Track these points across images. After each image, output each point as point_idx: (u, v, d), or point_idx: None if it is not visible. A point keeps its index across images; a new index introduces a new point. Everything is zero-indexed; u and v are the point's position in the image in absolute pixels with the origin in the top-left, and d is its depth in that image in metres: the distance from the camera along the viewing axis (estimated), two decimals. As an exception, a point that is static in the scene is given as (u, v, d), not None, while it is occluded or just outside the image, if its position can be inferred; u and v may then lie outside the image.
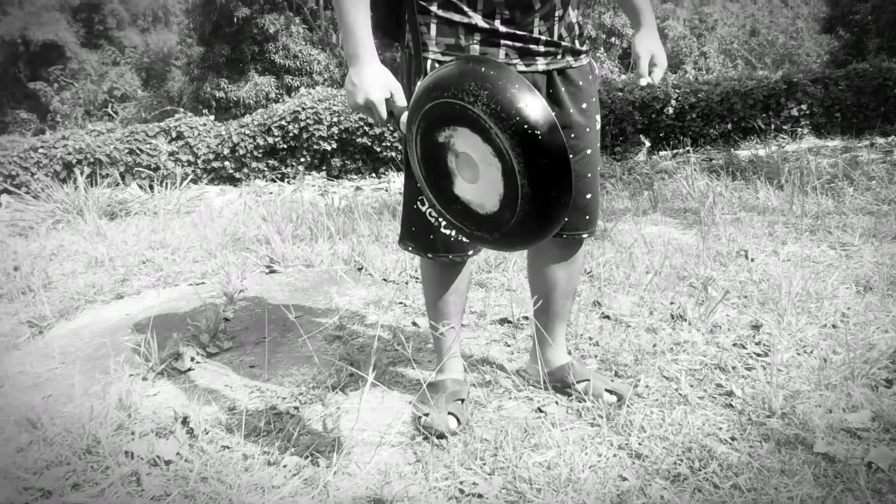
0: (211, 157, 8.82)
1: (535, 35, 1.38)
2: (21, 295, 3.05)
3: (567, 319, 1.86)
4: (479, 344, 2.22)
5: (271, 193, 7.27)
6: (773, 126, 7.55)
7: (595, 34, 19.61)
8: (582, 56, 1.49)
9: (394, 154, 8.27)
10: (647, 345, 2.12)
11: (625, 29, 19.84)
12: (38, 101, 24.29)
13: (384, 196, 7.05)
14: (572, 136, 1.48)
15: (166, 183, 8.08)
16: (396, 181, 7.72)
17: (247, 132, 8.13)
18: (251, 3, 20.61)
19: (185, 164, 8.90)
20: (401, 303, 2.66)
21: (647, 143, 7.54)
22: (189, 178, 8.72)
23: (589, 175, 1.53)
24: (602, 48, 19.86)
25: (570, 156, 1.47)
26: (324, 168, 8.32)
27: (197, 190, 7.85)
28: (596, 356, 2.08)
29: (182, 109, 11.81)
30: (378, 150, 8.29)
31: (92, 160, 8.70)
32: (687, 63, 20.22)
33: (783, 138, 7.46)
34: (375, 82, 1.29)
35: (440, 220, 1.46)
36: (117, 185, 8.11)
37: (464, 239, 1.48)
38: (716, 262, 3.03)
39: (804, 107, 7.28)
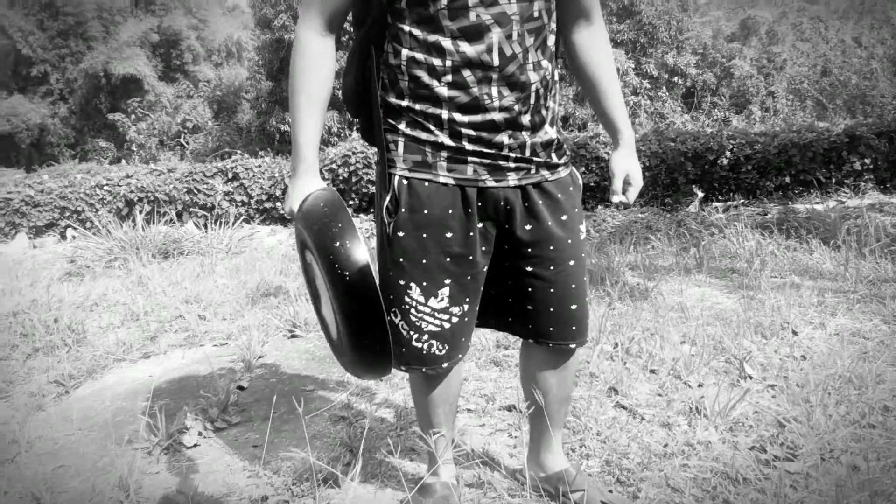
0: (263, 197, 9.06)
1: (504, 153, 1.35)
2: (55, 350, 3.16)
3: (562, 424, 1.80)
4: (483, 433, 2.17)
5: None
6: (833, 180, 7.23)
7: (657, 73, 19.38)
8: (560, 169, 1.45)
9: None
10: (657, 444, 2.03)
11: (688, 69, 19.56)
12: (116, 131, 25.54)
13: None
14: (551, 248, 1.44)
15: (220, 222, 8.33)
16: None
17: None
18: (318, 41, 21.22)
19: (239, 203, 9.16)
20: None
21: (700, 195, 7.34)
22: (242, 217, 8.98)
23: (573, 286, 1.48)
24: (664, 87, 19.61)
25: (551, 267, 1.44)
26: (371, 210, 8.43)
27: (248, 230, 8.06)
28: (600, 456, 1.99)
29: (239, 151, 12.21)
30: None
31: (152, 198, 9.06)
32: (753, 103, 19.73)
33: (845, 192, 7.14)
34: (297, 199, 1.37)
35: (411, 332, 1.44)
36: (173, 223, 8.41)
37: (437, 350, 1.46)
38: (757, 334, 2.90)
39: (867, 161, 6.96)
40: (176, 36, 26.98)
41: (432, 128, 1.32)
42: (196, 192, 9.06)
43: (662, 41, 19.71)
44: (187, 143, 25.07)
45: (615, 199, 1.53)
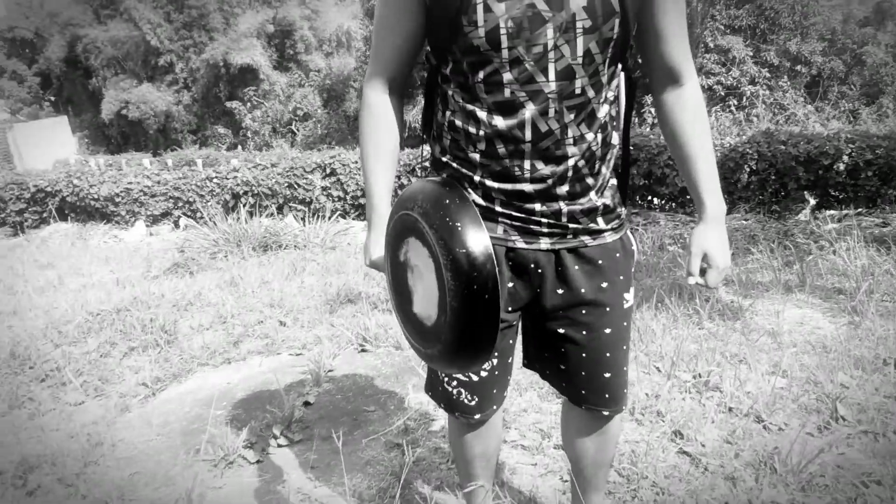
0: (359, 193, 9.28)
1: (536, 218, 1.31)
2: (148, 350, 3.38)
3: (603, 488, 1.73)
4: (534, 474, 2.13)
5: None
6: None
7: (778, 62, 18.22)
8: (606, 234, 1.37)
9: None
10: (715, 502, 1.93)
11: (813, 56, 18.27)
12: (233, 119, 26.91)
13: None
14: (583, 312, 1.38)
15: (317, 216, 8.61)
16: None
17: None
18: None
19: (336, 199, 9.43)
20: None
21: (812, 202, 6.84)
22: (338, 212, 9.24)
23: (607, 354, 1.42)
24: (785, 76, 18.40)
25: (584, 332, 1.39)
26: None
27: (344, 224, 8.29)
28: (652, 511, 1.92)
29: (336, 147, 12.49)
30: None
31: (255, 192, 9.49)
32: (886, 94, 18.18)
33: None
34: (377, 249, 1.38)
35: (442, 374, 1.46)
36: (273, 216, 8.79)
37: (466, 399, 1.46)
38: (857, 368, 2.68)
39: None
40: (290, 26, 27.99)
41: (466, 186, 1.32)
42: (296, 186, 9.41)
43: (785, 27, 18.49)
44: (297, 130, 26.06)
45: (691, 280, 1.38)
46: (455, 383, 1.46)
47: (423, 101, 1.40)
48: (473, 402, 1.47)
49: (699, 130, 1.36)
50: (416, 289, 1.28)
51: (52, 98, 33.31)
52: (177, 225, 9.83)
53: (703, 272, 1.39)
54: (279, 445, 2.40)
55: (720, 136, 8.07)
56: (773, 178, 7.27)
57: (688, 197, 7.87)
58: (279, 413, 2.54)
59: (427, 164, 1.47)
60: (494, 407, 1.51)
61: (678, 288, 4.07)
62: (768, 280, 4.35)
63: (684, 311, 3.55)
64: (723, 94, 17.52)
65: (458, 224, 1.17)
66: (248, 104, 26.79)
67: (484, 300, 1.16)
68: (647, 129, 11.00)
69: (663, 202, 7.96)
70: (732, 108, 17.36)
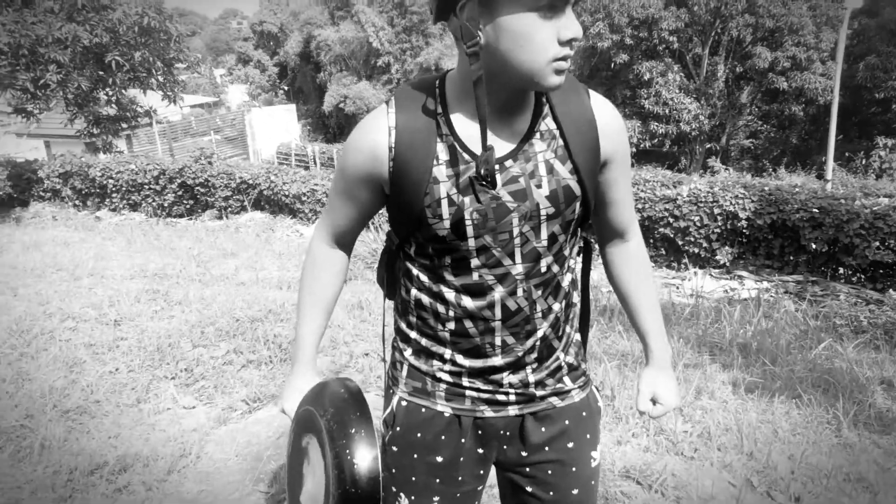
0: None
1: (504, 389, 1.32)
2: (262, 365, 3.74)
3: None
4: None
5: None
6: None
7: None
8: (573, 392, 1.37)
9: (697, 250, 7.72)
10: None
11: None
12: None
13: (674, 296, 6.66)
14: (549, 472, 1.37)
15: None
16: (692, 279, 7.21)
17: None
18: (631, 50, 20.93)
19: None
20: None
21: None
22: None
23: None
24: None
25: (551, 493, 1.38)
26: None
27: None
28: None
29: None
30: (681, 243, 7.83)
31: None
32: None
33: None
34: (294, 397, 1.41)
35: None
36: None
37: None
38: None
39: None
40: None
41: (435, 362, 1.34)
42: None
43: None
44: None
45: (641, 406, 1.47)
46: None
47: (384, 264, 1.40)
48: None
49: (644, 282, 1.45)
50: (307, 479, 1.34)
51: (286, 87, 37.15)
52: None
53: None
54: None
55: None
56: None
57: (880, 271, 6.98)
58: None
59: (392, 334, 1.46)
60: None
61: (824, 382, 3.66)
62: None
63: (814, 414, 3.21)
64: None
65: (353, 438, 1.22)
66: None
67: None
68: (840, 190, 9.89)
69: (850, 273, 7.11)
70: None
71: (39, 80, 11.06)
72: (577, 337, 1.42)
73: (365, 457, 1.21)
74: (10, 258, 6.35)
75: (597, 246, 1.46)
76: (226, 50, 51.57)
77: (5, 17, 10.42)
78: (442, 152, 1.18)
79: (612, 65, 21.35)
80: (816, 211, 7.03)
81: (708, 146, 22.46)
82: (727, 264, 7.60)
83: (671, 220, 7.72)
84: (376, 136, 1.20)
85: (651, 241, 8.02)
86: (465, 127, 1.19)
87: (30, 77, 11.11)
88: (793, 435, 3.01)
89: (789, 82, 20.41)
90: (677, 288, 7.06)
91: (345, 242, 1.42)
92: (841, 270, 7.11)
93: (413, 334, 1.36)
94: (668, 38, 20.50)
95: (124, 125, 14.48)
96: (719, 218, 7.48)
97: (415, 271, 1.31)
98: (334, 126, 31.71)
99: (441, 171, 1.18)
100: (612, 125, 1.25)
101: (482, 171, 1.13)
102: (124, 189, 11.90)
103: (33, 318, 4.40)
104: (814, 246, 7.05)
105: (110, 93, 13.19)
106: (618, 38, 20.61)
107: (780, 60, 20.05)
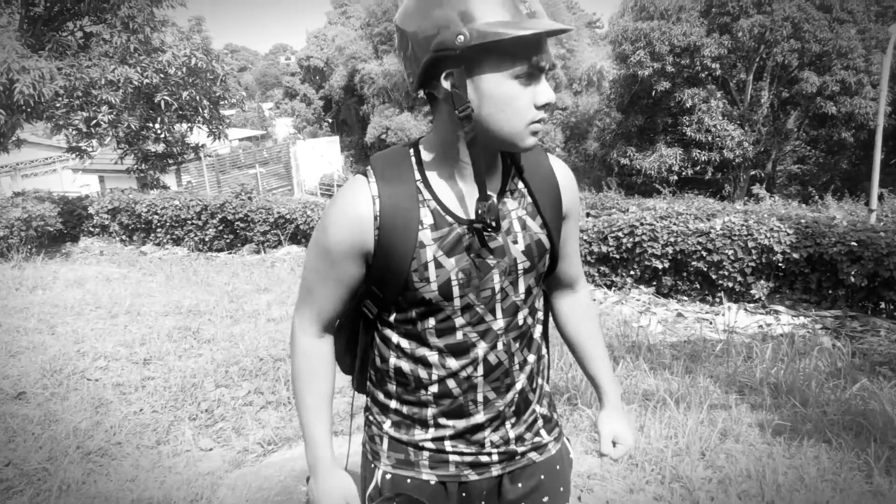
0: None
1: (487, 450, 1.35)
2: (280, 407, 3.80)
3: None
4: None
5: (594, 300, 7.37)
6: None
7: None
8: (549, 446, 1.41)
9: (732, 284, 7.55)
10: None
11: None
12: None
13: (706, 331, 6.52)
14: None
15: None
16: (726, 314, 7.03)
17: (584, 238, 8.34)
18: (672, 78, 20.77)
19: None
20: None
21: None
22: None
23: None
24: None
25: None
26: (654, 283, 8.05)
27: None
28: None
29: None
30: (714, 276, 7.67)
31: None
32: None
33: None
34: (330, 498, 1.32)
35: None
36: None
37: None
38: None
39: None
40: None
41: (416, 431, 1.35)
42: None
43: None
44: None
45: (604, 449, 1.53)
46: None
47: (343, 338, 1.39)
48: None
49: (592, 329, 1.54)
50: None
51: (330, 120, 37.96)
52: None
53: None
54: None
55: None
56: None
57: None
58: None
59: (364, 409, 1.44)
60: None
61: (856, 425, 3.52)
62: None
63: (844, 461, 3.09)
64: None
65: None
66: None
67: None
68: (889, 217, 9.54)
69: (892, 308, 6.86)
70: None
71: (92, 119, 11.58)
72: (548, 388, 1.47)
73: None
74: (53, 295, 6.62)
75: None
76: (274, 84, 53.14)
77: (62, 61, 10.96)
78: (426, 217, 1.22)
79: (654, 92, 21.20)
80: (855, 244, 6.81)
81: (752, 173, 22.01)
82: (762, 298, 7.41)
83: (704, 253, 7.58)
84: (360, 207, 1.21)
85: (684, 274, 7.88)
86: (445, 190, 1.24)
87: (83, 117, 11.65)
88: (820, 481, 2.91)
89: (838, 107, 19.91)
90: (710, 323, 6.90)
91: (330, 324, 1.37)
92: (882, 305, 6.86)
93: (393, 403, 1.36)
94: (711, 64, 20.30)
95: (171, 161, 15.03)
96: (754, 251, 7.31)
97: (395, 339, 1.31)
98: (377, 157, 32.17)
99: (426, 235, 1.21)
100: (569, 183, 1.36)
101: (488, 220, 1.17)
102: (168, 224, 12.28)
103: (67, 357, 4.57)
104: (852, 279, 6.82)
105: (159, 130, 13.73)
106: (659, 66, 20.50)
107: (829, 85, 19.61)
